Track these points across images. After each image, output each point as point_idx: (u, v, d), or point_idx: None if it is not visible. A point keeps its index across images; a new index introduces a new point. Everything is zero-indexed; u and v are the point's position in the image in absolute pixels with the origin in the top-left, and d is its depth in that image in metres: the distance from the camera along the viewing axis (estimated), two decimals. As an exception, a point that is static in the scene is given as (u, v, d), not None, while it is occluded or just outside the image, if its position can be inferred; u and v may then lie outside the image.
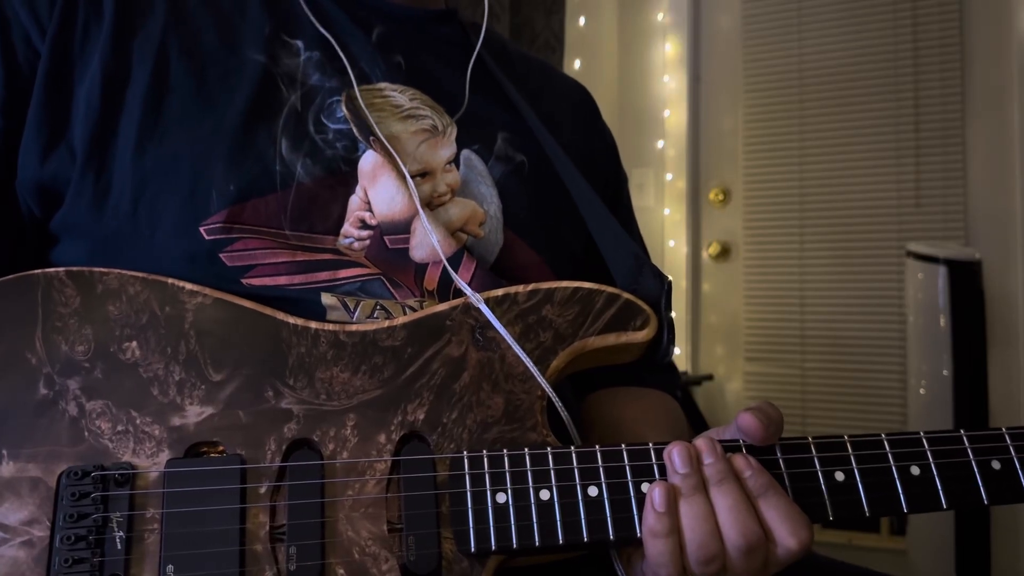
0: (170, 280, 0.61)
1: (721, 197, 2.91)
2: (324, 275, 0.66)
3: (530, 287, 0.64)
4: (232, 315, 0.60)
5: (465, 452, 0.58)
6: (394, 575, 0.55)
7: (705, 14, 2.98)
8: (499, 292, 0.64)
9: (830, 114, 2.73)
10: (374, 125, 0.72)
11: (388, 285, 0.67)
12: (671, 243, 2.92)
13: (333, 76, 0.73)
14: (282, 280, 0.65)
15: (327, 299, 0.65)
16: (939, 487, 0.59)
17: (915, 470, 0.59)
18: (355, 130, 0.71)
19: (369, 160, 0.71)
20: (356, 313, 0.65)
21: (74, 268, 0.60)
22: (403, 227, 0.70)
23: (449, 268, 0.68)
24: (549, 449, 0.58)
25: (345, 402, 0.59)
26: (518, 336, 0.62)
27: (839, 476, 0.59)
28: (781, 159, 2.80)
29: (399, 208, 0.70)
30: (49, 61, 0.66)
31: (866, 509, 0.58)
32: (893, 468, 0.59)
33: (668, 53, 2.97)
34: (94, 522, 0.53)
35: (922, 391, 2.33)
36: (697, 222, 2.94)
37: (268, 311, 0.61)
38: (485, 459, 0.57)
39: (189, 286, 0.60)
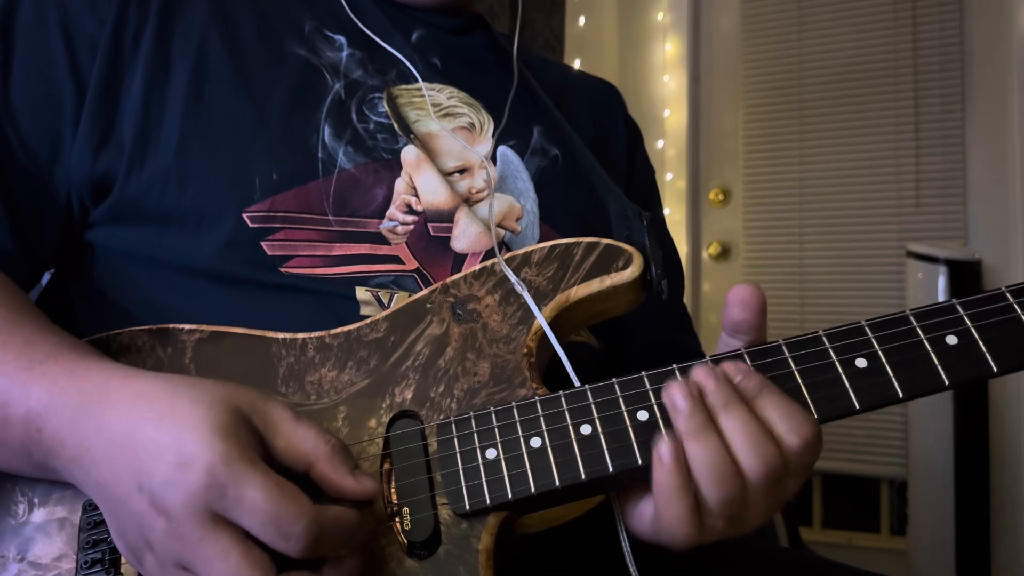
0: (172, 325, 0.64)
1: (721, 197, 2.91)
2: (361, 267, 0.68)
3: (506, 256, 0.64)
4: (226, 342, 0.63)
5: (452, 418, 0.58)
6: (394, 548, 0.55)
7: (705, 14, 2.98)
8: (476, 268, 0.64)
9: (830, 114, 2.73)
10: (414, 122, 0.74)
11: (420, 283, 0.68)
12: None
13: (374, 75, 0.75)
14: (319, 271, 0.67)
15: (361, 294, 0.66)
16: (984, 351, 0.54)
17: (952, 339, 0.55)
18: (395, 125, 0.73)
19: (412, 152, 0.72)
20: (390, 306, 0.66)
21: (92, 337, 0.64)
22: (447, 216, 0.71)
23: (497, 251, 0.69)
24: (537, 398, 0.58)
25: (335, 398, 0.60)
26: (498, 303, 0.62)
27: (860, 363, 0.55)
28: (781, 159, 2.80)
29: (444, 198, 0.72)
30: (104, 64, 0.68)
31: (899, 391, 0.54)
32: (925, 341, 0.55)
33: (668, 53, 2.97)
34: (108, 545, 0.56)
35: (922, 391, 2.33)
36: (697, 222, 2.94)
37: (258, 332, 0.63)
38: (472, 420, 0.57)
39: (188, 326, 0.63)
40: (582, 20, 2.96)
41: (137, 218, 0.68)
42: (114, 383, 0.53)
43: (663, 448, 0.52)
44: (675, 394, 0.53)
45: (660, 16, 3.00)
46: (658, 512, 0.54)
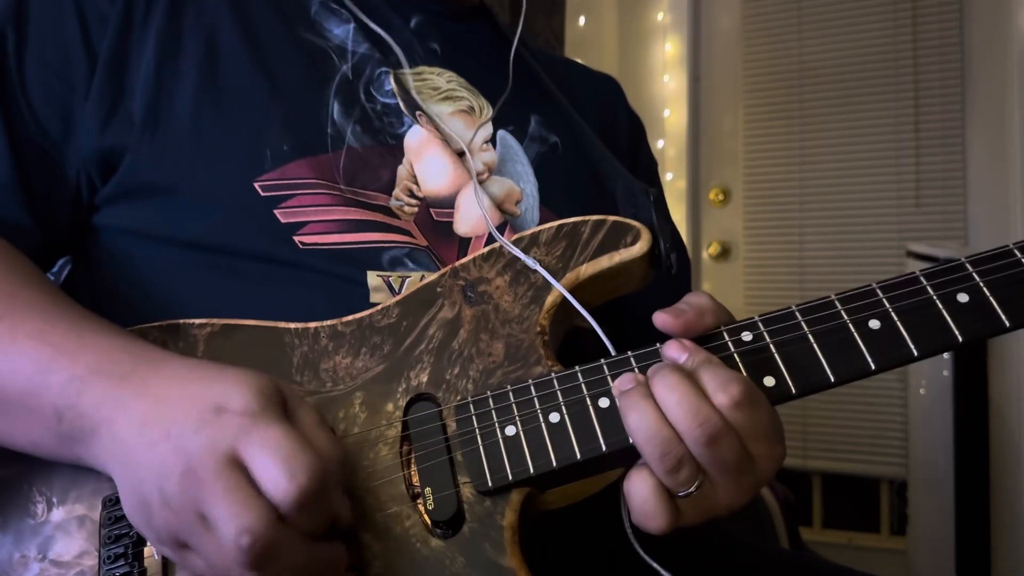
0: (182, 320, 0.63)
1: (721, 197, 2.92)
2: (376, 235, 0.68)
3: (514, 237, 0.64)
4: (238, 334, 0.63)
5: (470, 398, 0.58)
6: (419, 528, 0.55)
7: (705, 14, 2.98)
8: (485, 250, 0.64)
9: (830, 114, 2.74)
10: (420, 101, 0.75)
11: (433, 258, 0.68)
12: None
13: (379, 51, 0.76)
14: (334, 238, 0.67)
15: (372, 280, 0.66)
16: (996, 307, 0.54)
17: (963, 297, 0.55)
18: (402, 104, 0.74)
19: (416, 136, 0.73)
20: (401, 291, 0.66)
21: None
22: (448, 202, 0.72)
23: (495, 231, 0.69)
24: (554, 374, 0.58)
25: (350, 384, 0.60)
26: (509, 283, 0.62)
27: (874, 324, 0.56)
28: (781, 159, 2.80)
29: (445, 183, 0.72)
30: (114, 38, 0.69)
31: (913, 349, 0.54)
32: (936, 300, 0.55)
33: (668, 53, 2.97)
34: (130, 539, 0.56)
35: (922, 391, 2.33)
36: (697, 222, 2.94)
37: (269, 323, 0.63)
38: (490, 399, 0.58)
39: (199, 320, 0.63)
40: (582, 20, 2.96)
41: (146, 192, 0.68)
42: (166, 360, 0.55)
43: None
44: (622, 376, 0.55)
45: (660, 16, 3.01)
46: (627, 493, 0.54)
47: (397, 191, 0.70)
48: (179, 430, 0.48)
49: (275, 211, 0.66)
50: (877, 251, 2.65)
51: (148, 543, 0.56)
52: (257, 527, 0.45)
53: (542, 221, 0.76)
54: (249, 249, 0.66)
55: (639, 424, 0.52)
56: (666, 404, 0.52)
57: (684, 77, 2.93)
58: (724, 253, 2.90)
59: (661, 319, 0.57)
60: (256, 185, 0.67)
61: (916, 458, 2.39)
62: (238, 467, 0.47)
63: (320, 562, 0.50)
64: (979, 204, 2.55)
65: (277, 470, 0.47)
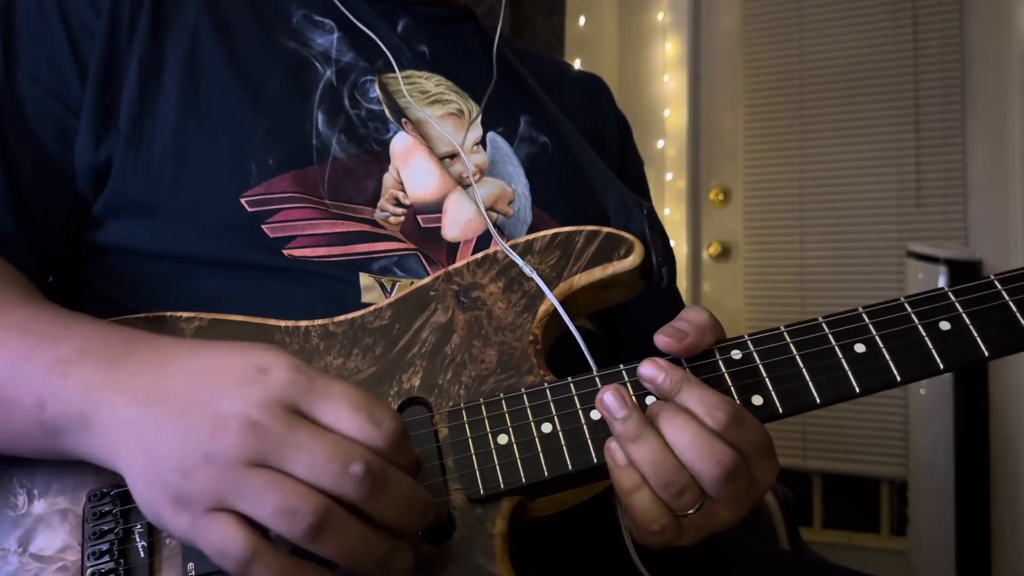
0: (169, 313, 0.63)
1: (721, 197, 2.91)
2: (363, 247, 0.68)
3: (508, 243, 0.64)
4: (227, 330, 0.62)
5: (462, 404, 0.58)
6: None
7: (705, 14, 2.98)
8: (478, 256, 0.64)
9: (830, 114, 2.73)
10: (405, 107, 0.75)
11: (424, 262, 0.68)
12: (671, 243, 2.91)
13: (364, 59, 0.76)
14: (322, 251, 0.67)
15: (364, 280, 0.66)
16: (976, 336, 0.56)
17: (945, 325, 0.56)
18: (387, 111, 0.74)
19: (401, 142, 0.73)
20: (392, 293, 0.66)
21: None
22: (435, 207, 0.72)
23: (493, 231, 0.69)
24: (546, 384, 0.58)
25: None
26: (503, 290, 0.62)
27: (859, 348, 0.57)
28: (781, 159, 2.80)
29: (431, 188, 0.72)
30: (102, 54, 0.68)
31: (896, 375, 0.56)
32: (920, 327, 0.57)
33: (668, 53, 2.97)
34: (115, 535, 0.56)
35: (922, 391, 2.33)
36: (697, 222, 2.94)
37: (259, 320, 0.62)
38: (483, 406, 0.58)
39: (186, 314, 0.63)
40: (582, 20, 2.96)
41: (134, 208, 0.68)
42: (164, 339, 0.53)
43: (614, 450, 0.54)
44: (607, 400, 0.54)
45: (660, 16, 3.01)
46: (627, 510, 0.54)
47: (383, 201, 0.70)
48: (213, 394, 0.45)
49: (262, 226, 0.66)
50: (877, 251, 2.64)
51: (136, 536, 0.55)
52: (365, 455, 0.44)
53: (534, 220, 0.76)
54: (238, 259, 0.66)
55: (644, 458, 0.52)
56: (678, 445, 0.52)
57: (684, 77, 2.93)
58: (724, 253, 2.90)
59: (664, 342, 0.57)
60: (243, 201, 0.66)
61: (916, 458, 2.39)
62: (307, 418, 0.45)
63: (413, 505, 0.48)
64: (979, 204, 2.55)
65: (360, 418, 0.45)
